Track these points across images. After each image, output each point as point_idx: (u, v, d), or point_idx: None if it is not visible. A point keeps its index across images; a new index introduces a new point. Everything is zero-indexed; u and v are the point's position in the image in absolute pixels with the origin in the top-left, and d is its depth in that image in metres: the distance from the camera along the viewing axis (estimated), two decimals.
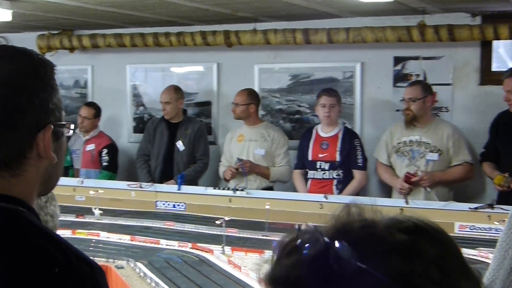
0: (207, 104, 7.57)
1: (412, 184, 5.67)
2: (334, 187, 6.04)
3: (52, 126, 1.43)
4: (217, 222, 4.54)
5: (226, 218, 4.53)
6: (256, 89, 6.91)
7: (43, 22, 7.07)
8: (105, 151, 7.10)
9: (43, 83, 1.43)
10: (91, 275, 1.31)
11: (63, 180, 6.12)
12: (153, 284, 3.68)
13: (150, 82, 7.89)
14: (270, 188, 6.35)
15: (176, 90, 6.86)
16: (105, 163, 7.08)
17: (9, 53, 1.45)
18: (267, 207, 5.03)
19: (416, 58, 6.57)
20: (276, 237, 4.78)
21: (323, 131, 6.16)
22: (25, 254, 1.27)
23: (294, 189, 6.25)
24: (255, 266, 4.07)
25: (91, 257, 3.25)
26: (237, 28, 6.88)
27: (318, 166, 6.11)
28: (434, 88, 6.10)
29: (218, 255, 4.28)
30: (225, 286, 3.67)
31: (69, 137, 1.60)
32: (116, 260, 4.14)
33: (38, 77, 1.43)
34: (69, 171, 7.30)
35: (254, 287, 3.62)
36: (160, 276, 3.79)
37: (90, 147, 7.13)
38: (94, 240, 4.75)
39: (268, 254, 4.08)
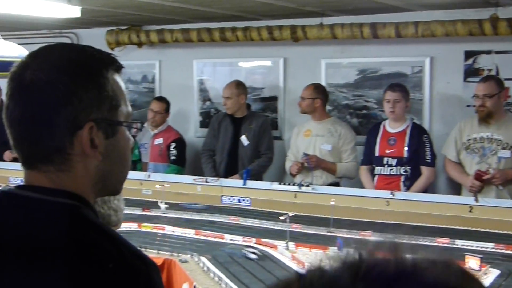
0: (273, 99, 7.55)
1: (483, 182, 5.51)
2: (401, 184, 5.93)
3: (95, 124, 1.40)
4: (281, 217, 4.50)
5: (290, 214, 4.49)
6: (323, 84, 6.84)
7: (112, 18, 7.16)
8: (173, 145, 7.15)
9: (87, 80, 1.41)
10: (145, 271, 1.30)
11: (130, 174, 6.24)
12: (216, 279, 3.67)
13: (217, 77, 7.91)
14: (336, 184, 6.29)
15: (237, 85, 6.86)
16: (173, 157, 7.13)
17: (56, 50, 1.45)
18: (332, 203, 4.96)
19: (489, 52, 6.39)
20: (341, 233, 4.73)
21: (390, 126, 6.06)
22: (81, 249, 1.27)
23: (361, 185, 6.18)
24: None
25: (156, 251, 3.26)
26: (303, 22, 6.82)
27: (385, 162, 6.02)
28: (506, 83, 5.93)
29: (282, 251, 4.25)
30: None
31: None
32: (180, 254, 4.15)
33: (81, 74, 1.41)
34: (137, 165, 7.40)
35: None
36: (224, 270, 3.78)
37: (159, 141, 7.20)
38: (159, 234, 4.78)
39: (332, 250, 4.07)
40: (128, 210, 5.57)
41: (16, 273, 1.28)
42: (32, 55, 1.43)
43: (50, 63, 1.41)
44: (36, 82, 1.37)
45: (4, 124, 1.42)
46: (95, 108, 1.41)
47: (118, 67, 1.48)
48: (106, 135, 1.43)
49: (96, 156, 1.42)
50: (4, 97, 1.45)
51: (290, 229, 4.72)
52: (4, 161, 7.51)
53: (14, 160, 7.40)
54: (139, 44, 7.94)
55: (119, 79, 1.48)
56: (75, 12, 4.78)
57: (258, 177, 6.55)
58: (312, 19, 6.75)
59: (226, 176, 6.55)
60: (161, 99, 7.38)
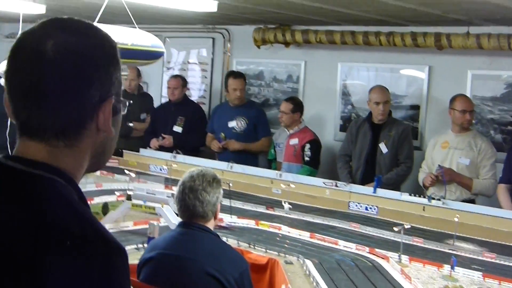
0: (416, 107, 7.31)
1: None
2: None
3: (113, 100, 1.44)
4: (395, 228, 4.33)
5: (406, 226, 4.31)
6: (469, 95, 6.54)
7: (261, 16, 7.24)
8: (308, 146, 7.11)
9: (108, 56, 1.45)
10: (104, 254, 1.27)
11: (262, 172, 6.27)
12: (315, 284, 3.59)
13: (360, 82, 7.78)
14: (471, 201, 5.98)
15: (387, 91, 6.69)
16: (307, 158, 7.09)
17: (76, 25, 1.45)
18: (456, 219, 4.72)
19: None
20: (462, 252, 4.49)
21: None
22: (39, 223, 1.26)
23: (499, 205, 5.84)
24: (428, 280, 3.86)
25: (264, 249, 3.20)
26: (449, 30, 6.56)
27: None
28: None
29: (393, 263, 4.09)
30: None
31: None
32: (287, 255, 4.11)
33: (104, 50, 1.44)
34: (272, 164, 7.43)
35: None
36: (325, 276, 3.69)
37: (294, 141, 7.18)
38: (273, 233, 4.75)
39: (446, 268, 3.87)
40: (253, 208, 5.67)
41: None
42: (52, 26, 1.43)
43: (78, 37, 1.42)
44: (66, 54, 1.38)
45: (6, 91, 1.43)
46: (113, 84, 1.45)
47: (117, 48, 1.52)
48: (114, 111, 1.47)
49: (110, 131, 1.46)
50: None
51: (407, 242, 4.57)
52: (149, 147, 7.79)
53: (161, 148, 7.68)
54: (286, 44, 7.97)
55: None
56: (211, 6, 4.85)
57: (396, 187, 6.36)
58: (458, 27, 6.47)
59: (362, 183, 6.40)
60: (290, 99, 7.37)
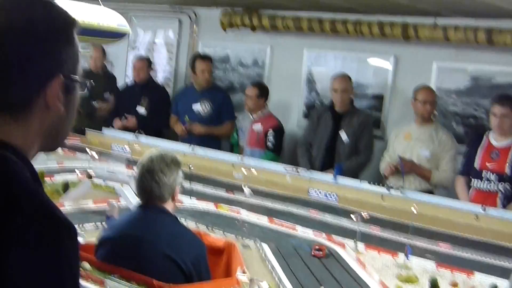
0: (380, 97, 7.35)
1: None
2: (498, 201, 5.61)
3: (63, 78, 1.42)
4: (352, 215, 4.36)
5: (364, 213, 4.34)
6: (434, 87, 6.59)
7: None
8: (271, 132, 7.11)
9: (58, 34, 1.43)
10: (53, 231, 1.26)
11: (224, 155, 6.26)
12: (270, 267, 3.60)
13: (326, 69, 7.79)
14: (430, 192, 6.04)
15: (350, 78, 6.72)
16: (269, 144, 7.09)
17: (27, 2, 1.43)
18: (413, 209, 4.76)
19: None
20: (417, 242, 4.53)
21: (495, 139, 5.74)
22: None
23: (457, 196, 5.90)
24: (383, 267, 3.89)
25: (222, 231, 3.17)
26: (416, 21, 6.60)
27: (484, 176, 5.72)
28: None
29: (349, 250, 4.12)
30: (341, 281, 3.52)
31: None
32: (245, 239, 4.11)
33: (53, 27, 1.42)
34: (234, 148, 7.43)
35: None
36: (281, 261, 3.71)
37: (257, 126, 7.18)
38: (232, 217, 4.75)
39: (401, 257, 3.91)
40: (213, 191, 5.66)
41: None
42: (2, 3, 1.42)
43: (24, 12, 1.40)
44: (11, 28, 1.37)
45: None
46: (64, 62, 1.43)
47: (78, 27, 1.49)
48: (68, 90, 1.45)
49: (60, 110, 1.43)
50: None
51: (365, 230, 4.60)
52: (112, 127, 7.74)
53: (124, 128, 7.63)
54: (253, 28, 7.95)
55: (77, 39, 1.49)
56: None
57: (355, 176, 6.38)
58: (425, 18, 6.51)
59: (322, 170, 6.42)
60: (256, 84, 7.37)
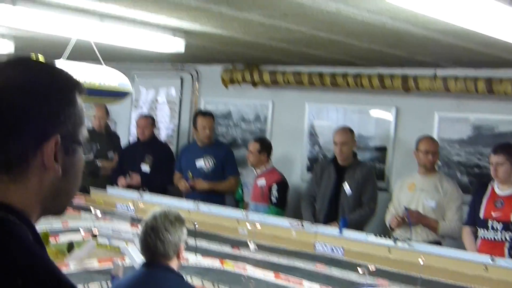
0: (383, 149, 7.36)
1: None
2: (506, 250, 5.56)
3: (59, 139, 1.40)
4: (359, 270, 4.33)
5: (371, 267, 4.30)
6: (436, 138, 6.60)
7: (228, 55, 7.27)
8: (275, 187, 7.10)
9: (57, 95, 1.42)
10: None
11: (228, 211, 6.24)
12: None
13: (328, 122, 7.82)
14: (438, 243, 5.99)
15: (351, 131, 6.74)
16: (274, 199, 7.08)
17: (28, 64, 1.45)
18: (421, 261, 4.71)
19: None
20: None
21: (499, 188, 5.72)
22: None
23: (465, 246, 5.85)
24: None
25: None
26: (416, 72, 6.65)
27: (490, 225, 5.68)
28: None
29: None
30: None
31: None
32: None
33: (52, 88, 1.42)
34: (239, 204, 7.41)
35: None
36: None
37: (261, 182, 7.17)
38: (237, 273, 4.71)
39: None
40: (219, 247, 5.62)
41: None
42: (5, 64, 1.43)
43: (24, 72, 1.41)
44: (7, 87, 1.37)
45: None
46: (62, 122, 1.41)
47: (83, 90, 1.49)
48: (67, 151, 1.43)
49: (57, 171, 1.41)
50: None
51: (374, 283, 4.56)
52: (117, 186, 7.74)
53: (128, 187, 7.63)
54: (254, 84, 8.01)
55: (81, 101, 1.49)
56: (179, 47, 4.86)
57: (360, 228, 6.33)
58: (425, 69, 6.56)
59: (325, 224, 6.38)
60: (258, 140, 7.39)
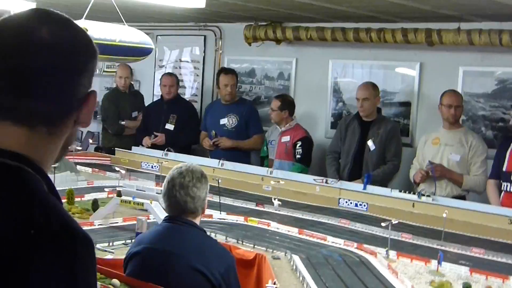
0: (407, 104, 7.32)
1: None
2: None
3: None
4: (383, 224, 4.34)
5: (394, 221, 4.31)
6: (461, 92, 6.54)
7: (251, 13, 7.23)
8: (299, 143, 7.11)
9: (93, 51, 1.47)
10: (69, 243, 1.26)
11: (253, 169, 6.29)
12: (301, 279, 3.59)
13: (352, 79, 7.78)
14: (462, 197, 5.98)
15: (374, 86, 6.70)
16: (298, 156, 7.09)
17: (62, 18, 1.45)
18: (444, 215, 4.71)
19: None
20: (450, 248, 4.49)
21: None
22: (4, 212, 1.25)
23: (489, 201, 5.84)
24: (415, 274, 3.86)
25: (252, 245, 3.18)
26: (440, 26, 6.56)
27: None
28: None
29: (380, 259, 4.09)
30: None
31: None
32: (275, 251, 4.10)
33: (89, 44, 1.46)
34: (264, 161, 7.43)
35: None
36: (312, 271, 3.69)
37: (285, 138, 7.18)
38: (262, 229, 4.75)
39: (433, 264, 3.87)
40: (243, 204, 5.67)
41: None
42: (40, 15, 1.43)
43: (66, 27, 1.43)
44: (60, 42, 1.39)
45: None
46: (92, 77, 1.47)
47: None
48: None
49: (89, 124, 1.48)
50: None
51: (396, 238, 4.59)
52: (142, 145, 7.81)
53: (152, 146, 7.69)
54: (277, 41, 7.97)
55: None
56: (199, 2, 4.83)
57: (383, 184, 6.32)
58: (449, 23, 6.48)
59: (350, 180, 6.39)
60: (279, 97, 7.37)
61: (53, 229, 1.26)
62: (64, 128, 1.43)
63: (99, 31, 4.24)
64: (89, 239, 1.32)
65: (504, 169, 5.70)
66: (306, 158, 7.14)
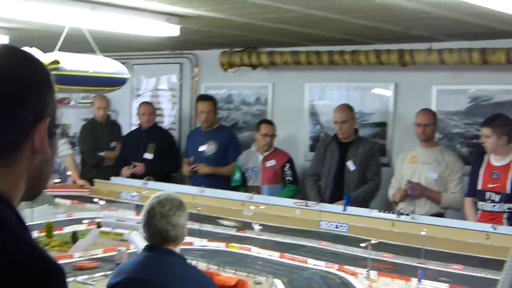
0: (383, 124, 7.39)
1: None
2: (504, 221, 5.59)
3: (48, 121, 1.44)
4: (362, 244, 4.37)
5: (373, 241, 4.34)
6: (435, 110, 6.62)
7: (226, 39, 7.28)
8: (287, 165, 7.16)
9: (40, 78, 1.45)
10: (40, 274, 1.27)
11: (233, 195, 6.29)
12: None
13: (328, 101, 7.84)
14: (440, 215, 6.03)
15: (350, 108, 6.76)
16: (289, 178, 7.12)
17: (6, 50, 1.47)
18: (423, 233, 4.76)
19: None
20: (430, 265, 4.52)
21: (495, 159, 5.76)
22: None
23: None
24: None
25: (233, 270, 3.16)
26: (412, 47, 6.66)
27: (487, 197, 5.72)
28: None
29: (361, 279, 4.12)
30: None
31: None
32: (256, 276, 4.11)
33: (35, 71, 1.45)
34: (239, 189, 7.37)
35: None
36: None
37: (271, 163, 7.19)
38: (243, 255, 4.76)
39: (414, 282, 3.90)
40: (224, 230, 5.67)
41: None
42: None
43: (6, 58, 1.43)
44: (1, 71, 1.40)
45: None
46: (48, 105, 1.44)
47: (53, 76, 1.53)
48: (50, 134, 1.46)
49: (47, 153, 1.44)
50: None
51: (377, 258, 4.61)
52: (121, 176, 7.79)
53: (132, 176, 7.67)
54: (253, 66, 8.03)
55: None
56: (174, 31, 4.88)
57: (365, 204, 6.37)
58: (421, 44, 6.58)
59: (331, 202, 6.42)
60: (270, 122, 7.38)
61: (24, 261, 1.27)
62: (19, 160, 1.41)
63: (72, 62, 4.25)
64: (62, 270, 1.32)
65: (478, 187, 5.77)
66: (296, 178, 7.20)
